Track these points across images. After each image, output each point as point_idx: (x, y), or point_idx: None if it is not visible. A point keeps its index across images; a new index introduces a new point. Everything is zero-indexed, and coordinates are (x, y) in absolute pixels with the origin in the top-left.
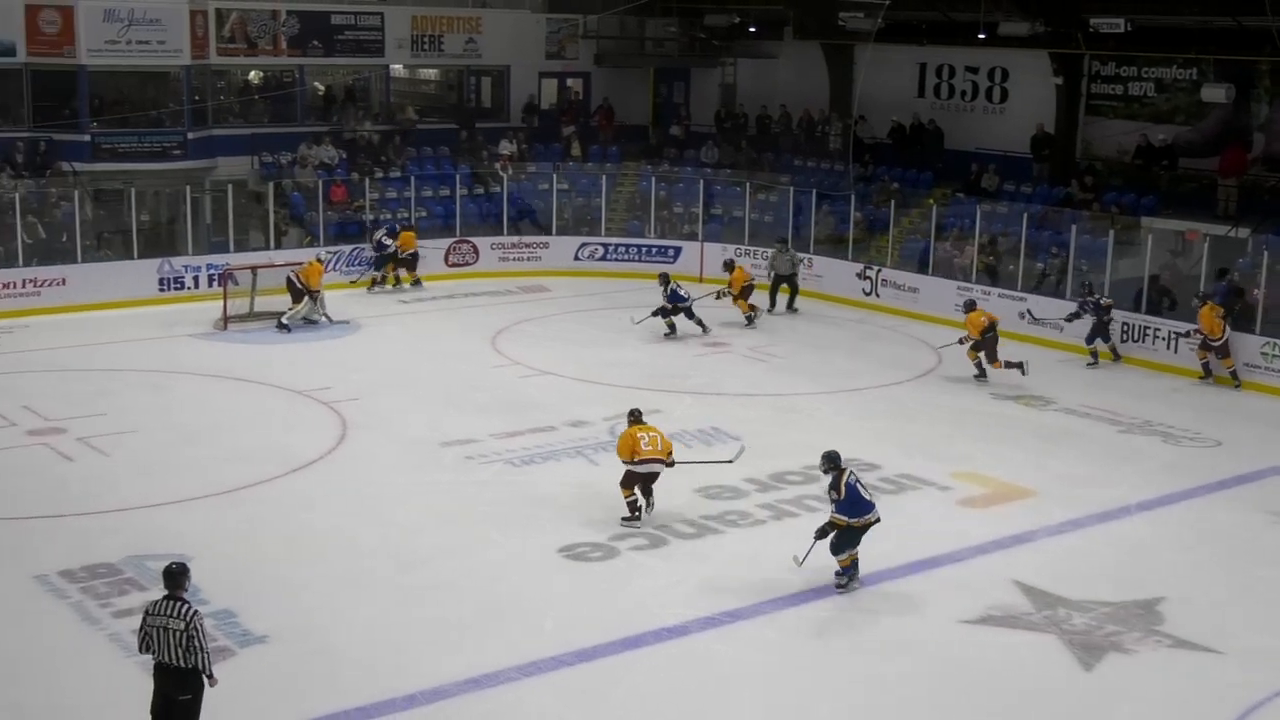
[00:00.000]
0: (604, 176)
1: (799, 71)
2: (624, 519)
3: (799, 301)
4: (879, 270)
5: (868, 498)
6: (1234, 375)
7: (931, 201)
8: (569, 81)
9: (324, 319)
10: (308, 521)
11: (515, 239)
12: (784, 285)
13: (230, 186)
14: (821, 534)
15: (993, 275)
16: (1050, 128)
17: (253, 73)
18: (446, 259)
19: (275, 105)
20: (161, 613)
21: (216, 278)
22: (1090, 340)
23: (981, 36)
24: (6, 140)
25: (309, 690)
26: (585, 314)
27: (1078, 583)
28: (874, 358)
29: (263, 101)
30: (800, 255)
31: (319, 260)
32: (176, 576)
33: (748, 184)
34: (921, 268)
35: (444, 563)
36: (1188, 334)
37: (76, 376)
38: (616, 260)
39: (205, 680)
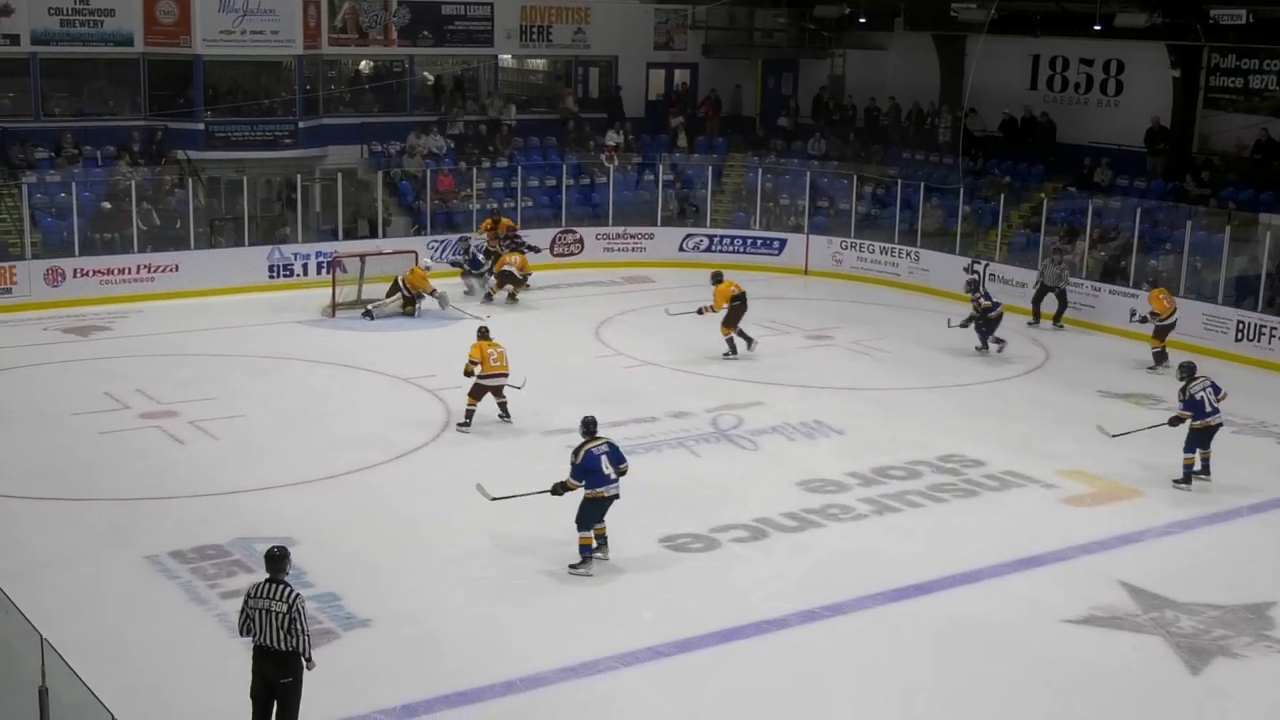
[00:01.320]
0: (710, 168)
1: (909, 63)
2: (459, 424)
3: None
4: (987, 265)
5: (609, 473)
6: None
7: (1042, 196)
8: (676, 72)
9: (453, 309)
10: (411, 508)
11: (620, 230)
12: (1050, 295)
13: (339, 175)
14: (556, 490)
15: (1106, 272)
16: (1166, 121)
17: (363, 62)
18: (552, 249)
19: (385, 95)
20: (263, 595)
21: (325, 265)
22: (980, 335)
23: (1097, 28)
24: (124, 128)
25: (409, 675)
26: (689, 303)
27: (1185, 585)
28: (979, 353)
29: (372, 91)
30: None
31: (424, 269)
32: (278, 560)
33: (855, 176)
34: (1030, 263)
35: (545, 551)
36: None
37: (188, 361)
38: (721, 252)
39: (304, 663)
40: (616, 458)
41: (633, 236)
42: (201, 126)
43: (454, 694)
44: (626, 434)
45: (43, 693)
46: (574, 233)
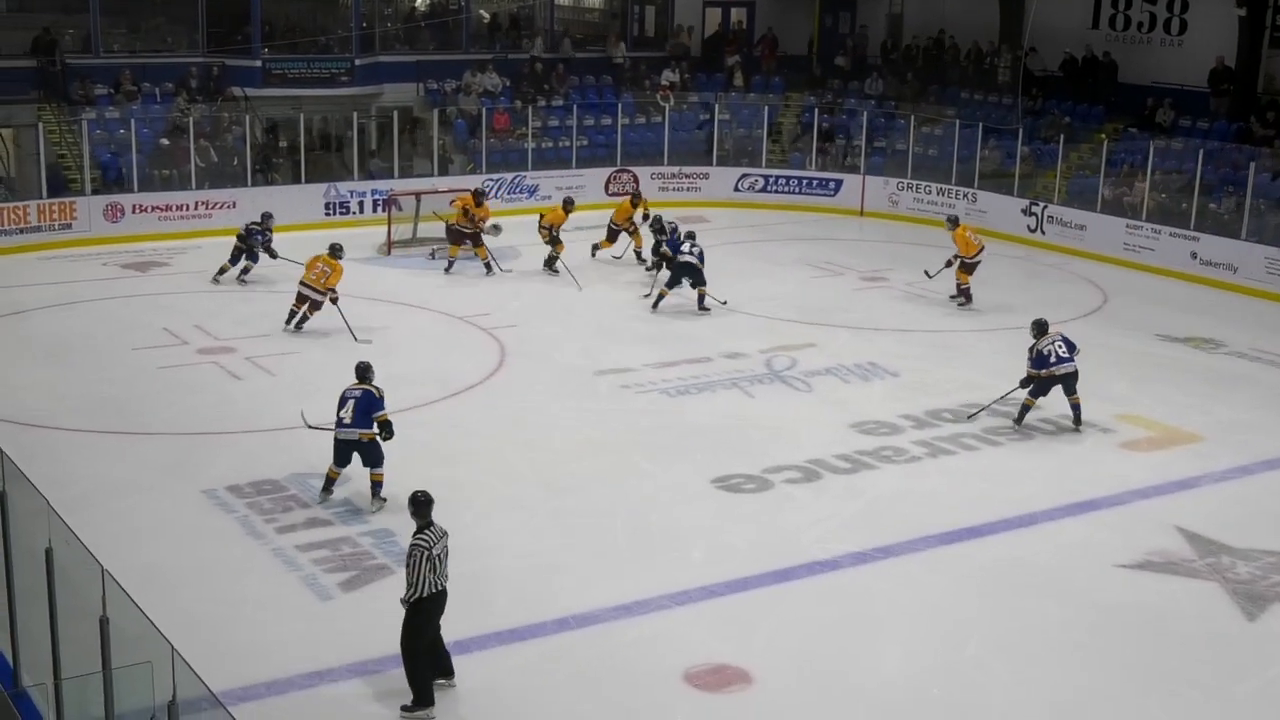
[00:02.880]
0: (766, 107)
1: (968, 2)
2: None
3: None
4: (1045, 207)
5: (342, 415)
6: None
7: (1102, 137)
8: (733, 11)
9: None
10: (464, 446)
11: (675, 169)
12: None
13: (395, 113)
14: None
15: (1165, 214)
16: (1231, 61)
17: (419, 0)
18: (606, 188)
19: (441, 33)
20: (439, 539)
21: (381, 203)
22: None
23: None
24: (181, 65)
25: (462, 612)
26: (743, 246)
27: (1243, 531)
28: (1037, 296)
29: (428, 29)
30: None
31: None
32: (427, 504)
33: (912, 117)
34: (1090, 204)
35: (597, 490)
36: None
37: (244, 297)
38: (776, 192)
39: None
40: (363, 401)
41: (688, 176)
42: (258, 64)
43: (506, 631)
44: (679, 375)
45: (103, 622)
46: (628, 172)
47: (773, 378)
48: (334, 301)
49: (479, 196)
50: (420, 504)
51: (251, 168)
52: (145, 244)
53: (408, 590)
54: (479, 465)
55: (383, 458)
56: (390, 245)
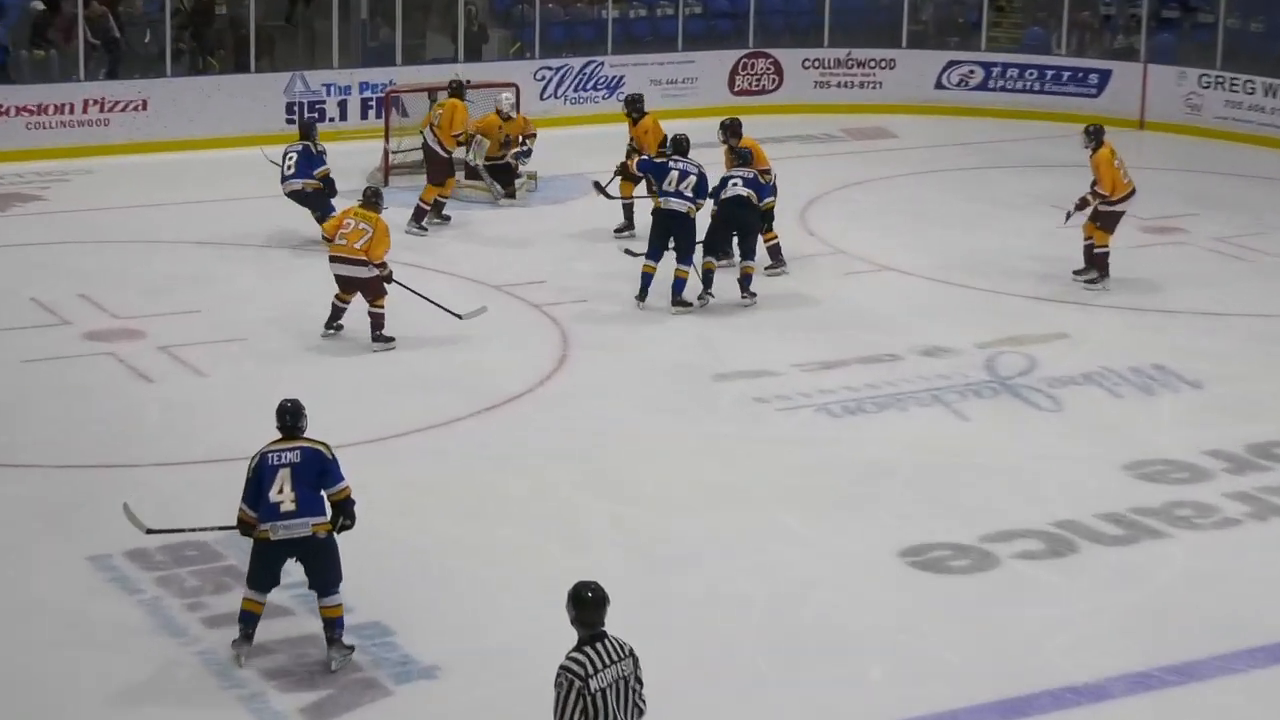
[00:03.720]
0: None
1: None
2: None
3: None
4: None
5: (279, 499)
6: None
7: None
8: None
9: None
10: (505, 488)
11: (843, 53)
12: None
13: None
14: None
15: None
16: None
17: None
18: (732, 83)
19: None
20: (612, 658)
21: (375, 103)
22: None
23: None
24: None
25: None
26: (948, 177)
27: None
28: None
29: None
30: None
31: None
32: (590, 605)
33: None
34: None
35: (718, 565)
36: None
37: (161, 251)
38: (1003, 90)
39: None
40: (308, 470)
41: (861, 65)
42: None
43: None
44: (848, 381)
45: None
46: (767, 56)
47: (998, 388)
48: (389, 279)
49: (459, 90)
50: (585, 602)
51: (173, 48)
52: (4, 166)
53: None
54: (528, 522)
55: (340, 575)
56: (388, 169)
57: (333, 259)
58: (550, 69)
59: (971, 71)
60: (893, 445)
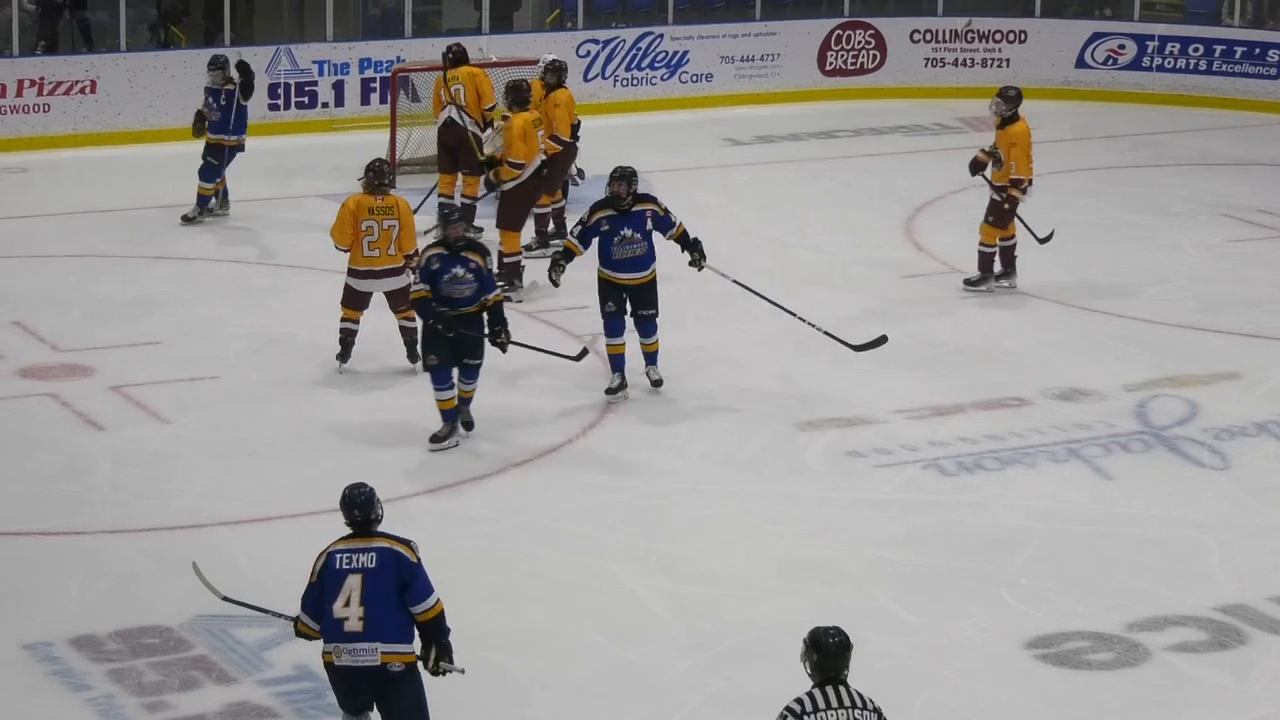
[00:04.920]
0: None
1: None
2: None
3: None
4: None
5: (344, 615)
6: None
7: None
8: None
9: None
10: (539, 562)
11: (962, 23)
12: None
13: None
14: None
15: None
16: None
17: None
18: (823, 60)
19: None
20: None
21: (379, 85)
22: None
23: None
24: None
25: None
26: (1093, 176)
27: None
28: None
29: None
30: None
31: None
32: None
33: None
34: None
35: (798, 660)
36: None
37: (111, 269)
38: (1161, 70)
39: None
40: (384, 578)
41: (984, 38)
42: None
43: None
44: (964, 431)
45: None
46: (867, 28)
47: (1151, 440)
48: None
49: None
50: (827, 649)
51: (128, 19)
52: None
53: None
54: (567, 603)
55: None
56: (395, 164)
57: (368, 275)
58: (597, 43)
59: (1122, 47)
60: (1019, 511)
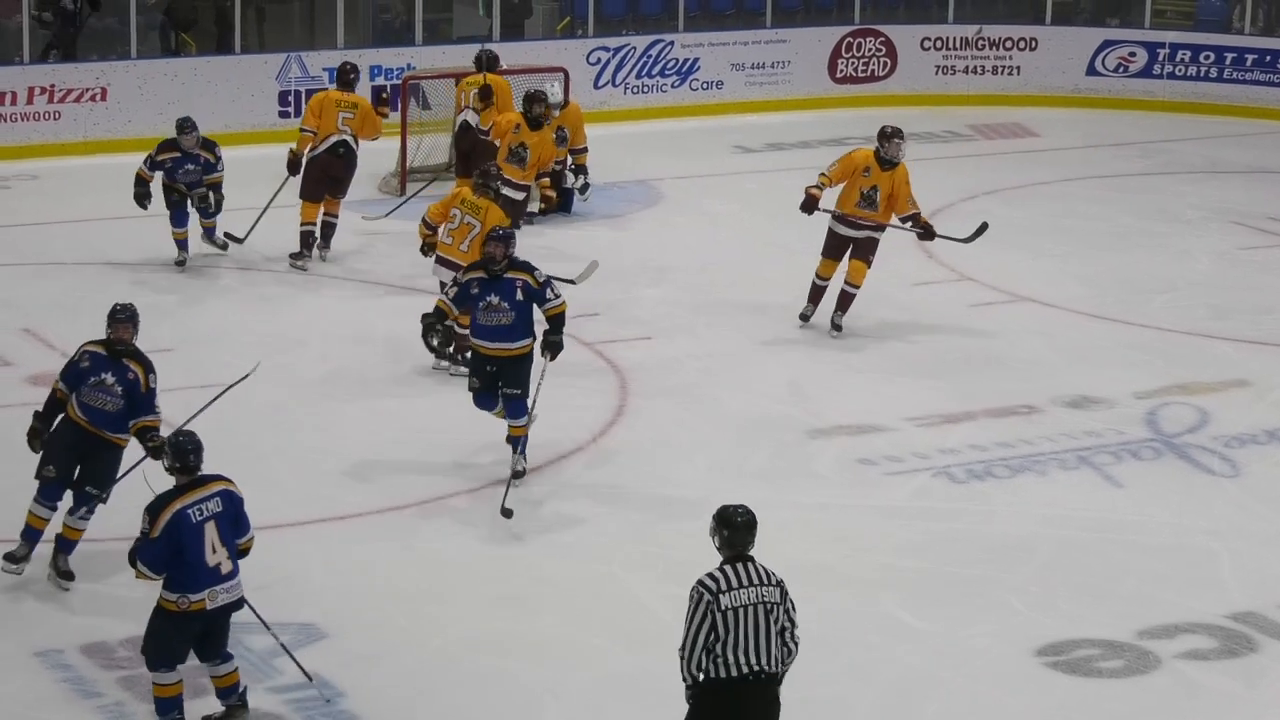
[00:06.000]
0: None
1: None
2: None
3: None
4: None
5: (214, 560)
6: None
7: None
8: None
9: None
10: (548, 569)
11: (972, 30)
12: None
13: None
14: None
15: None
16: None
17: None
18: (833, 68)
19: None
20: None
21: (388, 92)
22: None
23: None
24: None
25: None
26: (1103, 184)
27: None
28: None
29: None
30: None
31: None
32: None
33: None
34: None
35: (807, 665)
36: None
37: (122, 276)
38: (1171, 78)
39: None
40: (231, 524)
41: (995, 45)
42: None
43: None
44: (974, 438)
45: None
46: (877, 35)
47: (1161, 447)
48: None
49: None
50: (736, 525)
51: (137, 25)
52: None
53: (681, 653)
54: (577, 610)
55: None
56: (405, 175)
57: (439, 261)
58: (607, 50)
59: (1132, 54)
60: (1029, 518)
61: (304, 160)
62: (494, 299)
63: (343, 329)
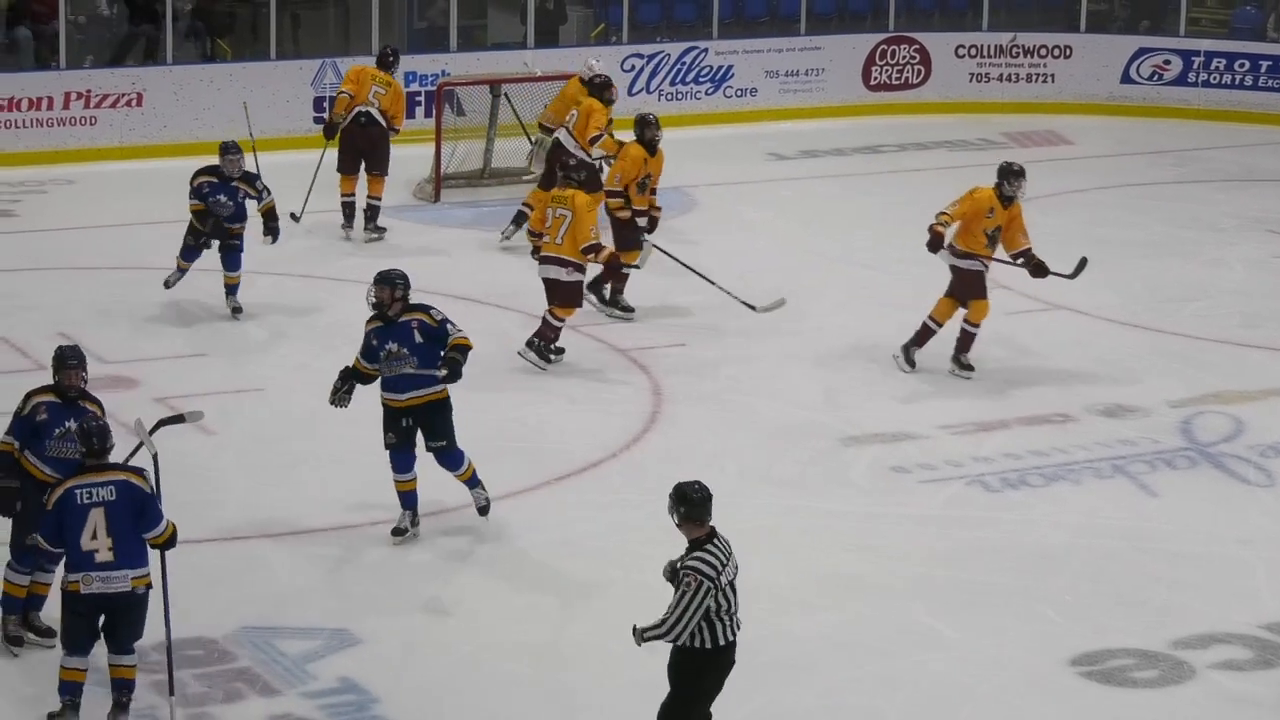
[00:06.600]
0: None
1: None
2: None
3: None
4: None
5: (90, 547)
6: None
7: None
8: None
9: None
10: (579, 576)
11: (1006, 38)
12: None
13: None
14: None
15: None
16: None
17: None
18: (867, 75)
19: None
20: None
21: (424, 99)
22: None
23: None
24: None
25: None
26: (1137, 192)
27: None
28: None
29: None
30: None
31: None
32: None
33: None
34: None
35: (836, 673)
36: None
37: (156, 280)
38: (1208, 85)
39: None
40: (131, 517)
41: (1029, 53)
42: None
43: None
44: (1008, 447)
45: None
46: (911, 42)
47: (1196, 456)
48: (615, 266)
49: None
50: (694, 502)
51: (174, 30)
52: None
53: (654, 627)
54: (608, 617)
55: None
56: (439, 181)
57: (542, 260)
58: (641, 57)
59: (1167, 62)
60: (1063, 527)
61: (339, 127)
62: (393, 346)
63: None
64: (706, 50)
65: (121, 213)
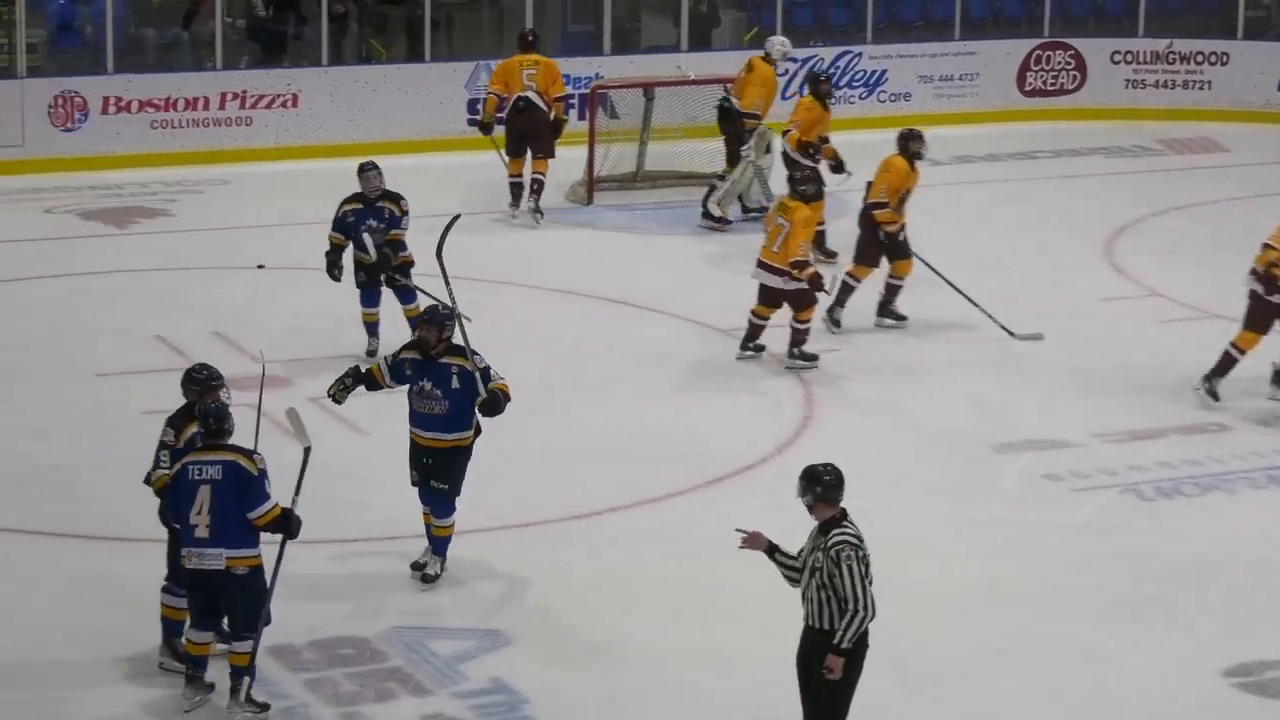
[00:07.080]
0: None
1: None
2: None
3: None
4: None
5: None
6: None
7: None
8: None
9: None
10: (732, 581)
11: (1163, 44)
12: None
13: None
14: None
15: None
16: None
17: None
18: (1022, 81)
19: None
20: None
21: (578, 101)
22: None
23: None
24: None
25: None
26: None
27: None
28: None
29: None
30: None
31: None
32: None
33: None
34: None
35: (989, 683)
36: None
37: (311, 281)
38: None
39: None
40: (235, 496)
41: (1185, 59)
42: None
43: None
44: (1163, 456)
45: None
46: (1066, 48)
47: None
48: (817, 286)
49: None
50: (829, 484)
51: (330, 32)
52: (124, 173)
53: (848, 624)
54: (761, 622)
55: (260, 617)
56: (592, 184)
57: (758, 264)
58: (795, 61)
59: None
60: (1219, 537)
61: (493, 123)
62: (427, 384)
63: (524, 338)
64: (860, 55)
65: (277, 213)
